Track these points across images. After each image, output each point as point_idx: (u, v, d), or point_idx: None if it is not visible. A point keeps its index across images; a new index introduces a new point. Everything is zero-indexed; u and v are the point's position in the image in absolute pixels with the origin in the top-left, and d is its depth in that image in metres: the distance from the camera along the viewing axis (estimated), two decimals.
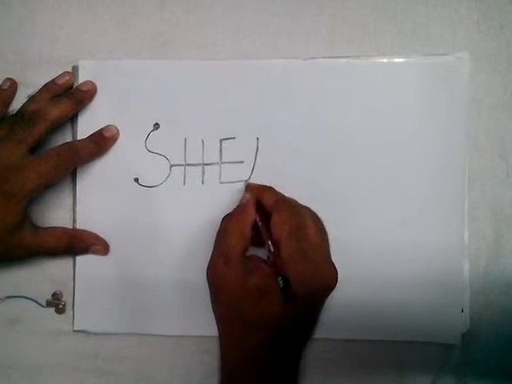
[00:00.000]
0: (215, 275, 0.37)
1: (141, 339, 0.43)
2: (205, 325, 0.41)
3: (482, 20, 0.42)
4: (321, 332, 0.41)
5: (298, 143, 0.42)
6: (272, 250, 0.37)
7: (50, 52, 0.43)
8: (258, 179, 0.42)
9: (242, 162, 0.42)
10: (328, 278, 0.37)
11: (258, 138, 0.42)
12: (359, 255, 0.40)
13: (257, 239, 0.38)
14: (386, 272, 0.41)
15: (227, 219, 0.38)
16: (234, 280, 0.36)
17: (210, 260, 0.38)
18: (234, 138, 0.42)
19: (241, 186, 0.42)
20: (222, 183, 0.42)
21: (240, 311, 0.36)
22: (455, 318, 0.41)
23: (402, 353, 0.42)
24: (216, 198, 0.42)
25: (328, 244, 0.39)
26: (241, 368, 0.36)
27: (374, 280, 0.41)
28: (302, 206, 0.39)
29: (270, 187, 0.40)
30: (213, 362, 0.42)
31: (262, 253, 0.39)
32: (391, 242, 0.41)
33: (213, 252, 0.38)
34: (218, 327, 0.38)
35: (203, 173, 0.42)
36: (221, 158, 0.42)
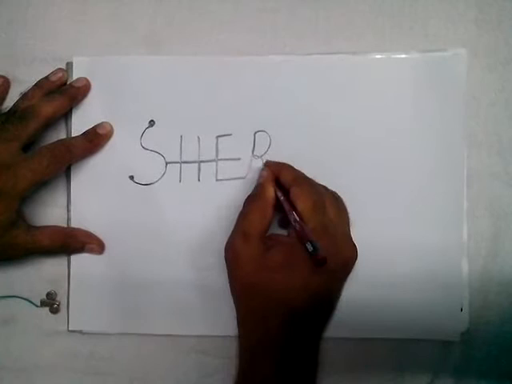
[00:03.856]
0: (234, 253, 0.37)
1: (136, 339, 0.42)
2: (200, 324, 0.41)
3: (479, 16, 0.42)
4: None
5: (295, 139, 0.42)
6: (298, 219, 0.36)
7: (44, 48, 0.43)
8: (255, 176, 0.41)
9: (239, 159, 0.42)
10: (348, 255, 0.37)
11: (254, 135, 0.42)
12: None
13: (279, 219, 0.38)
14: (384, 271, 0.41)
15: (248, 199, 0.38)
16: (253, 257, 0.36)
17: (229, 238, 0.37)
18: (231, 134, 0.42)
19: (237, 183, 0.41)
20: (218, 180, 0.42)
21: (261, 290, 0.36)
22: (454, 316, 0.41)
23: (401, 352, 0.42)
24: (212, 195, 0.42)
25: (348, 223, 0.39)
26: (261, 348, 0.36)
27: (373, 278, 0.41)
28: (319, 184, 0.39)
29: (288, 164, 0.40)
30: (208, 362, 0.42)
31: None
32: (389, 241, 0.41)
33: (232, 231, 0.38)
34: (236, 308, 0.38)
35: (199, 170, 0.42)
36: (217, 155, 0.42)
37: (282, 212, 0.38)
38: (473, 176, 0.42)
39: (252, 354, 0.36)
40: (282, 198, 0.38)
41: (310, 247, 0.35)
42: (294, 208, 0.37)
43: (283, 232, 0.40)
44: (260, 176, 0.40)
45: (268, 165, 0.40)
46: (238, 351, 0.37)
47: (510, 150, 0.42)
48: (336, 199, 0.39)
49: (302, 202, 0.37)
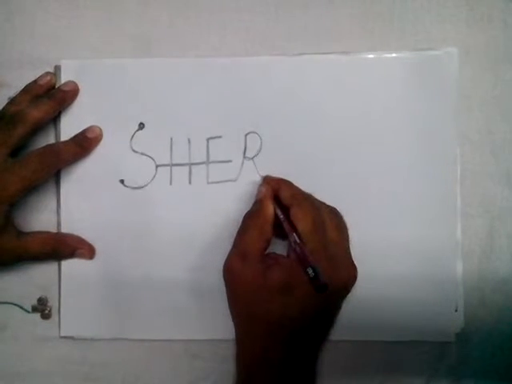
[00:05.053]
0: (232, 273, 0.36)
1: (128, 344, 0.42)
2: (193, 329, 0.41)
3: (470, 15, 0.42)
4: None
5: (287, 140, 0.42)
6: (298, 241, 0.36)
7: (32, 52, 0.43)
8: (247, 179, 0.41)
9: (230, 161, 0.42)
10: (348, 276, 0.37)
11: (245, 137, 0.42)
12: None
13: (277, 233, 0.38)
14: (378, 271, 0.41)
15: (246, 216, 0.38)
16: (252, 278, 0.36)
17: (227, 258, 0.37)
18: (221, 136, 0.42)
19: (229, 185, 0.41)
20: (209, 183, 0.42)
21: (260, 311, 0.35)
22: (449, 316, 0.41)
23: (396, 353, 0.41)
24: (204, 198, 0.41)
25: (348, 241, 0.38)
26: (258, 367, 0.36)
27: (367, 279, 0.40)
28: (319, 201, 0.39)
29: (288, 181, 0.39)
30: (201, 366, 0.42)
31: (280, 249, 0.38)
32: (382, 241, 0.41)
33: (231, 250, 0.37)
34: (235, 326, 0.37)
35: (190, 173, 0.42)
36: (208, 158, 0.42)
37: (280, 229, 0.38)
38: (466, 175, 0.42)
39: (249, 373, 0.36)
40: (281, 217, 0.37)
41: (311, 272, 0.35)
42: (294, 228, 0.36)
43: (280, 240, 0.39)
44: (259, 192, 0.39)
45: (267, 181, 0.40)
46: (236, 369, 0.37)
47: (502, 149, 0.42)
48: (336, 216, 0.38)
49: (302, 223, 0.36)
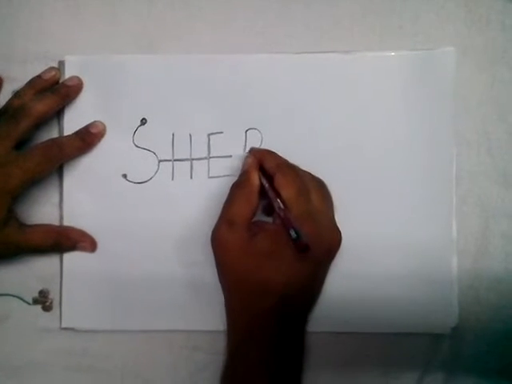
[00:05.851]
0: (220, 241, 0.37)
1: (128, 335, 0.42)
2: (192, 319, 0.41)
3: (468, 15, 0.43)
4: (309, 325, 0.40)
5: (287, 137, 0.42)
6: (282, 206, 0.37)
7: (36, 47, 0.43)
8: None
9: (231, 156, 0.42)
10: (332, 241, 0.38)
11: (246, 133, 0.42)
12: (347, 250, 0.40)
13: (263, 206, 0.38)
14: (374, 267, 0.41)
15: (233, 187, 0.39)
16: (240, 245, 0.36)
17: (215, 226, 0.38)
18: (222, 132, 0.42)
19: (229, 180, 0.41)
20: (210, 178, 0.42)
21: (248, 277, 0.36)
22: (444, 312, 0.41)
23: (391, 346, 0.42)
24: (205, 192, 0.42)
25: (332, 209, 0.39)
26: (248, 336, 0.36)
27: (363, 275, 0.41)
28: (304, 170, 0.40)
29: (272, 151, 0.40)
30: (201, 357, 0.42)
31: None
32: (379, 238, 0.42)
33: (218, 219, 0.38)
34: (225, 297, 0.38)
35: (191, 168, 0.42)
36: (209, 153, 0.42)
37: (266, 199, 0.39)
38: (462, 174, 0.42)
39: (240, 342, 0.37)
40: (266, 185, 0.38)
41: (293, 234, 0.36)
42: (278, 195, 0.37)
43: (268, 219, 0.40)
44: (245, 163, 0.40)
45: (253, 152, 0.41)
46: (226, 337, 0.38)
47: (498, 148, 0.42)
48: (321, 185, 0.39)
49: (286, 190, 0.37)
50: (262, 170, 0.39)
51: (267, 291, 0.36)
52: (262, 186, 0.39)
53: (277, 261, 0.36)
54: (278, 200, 0.37)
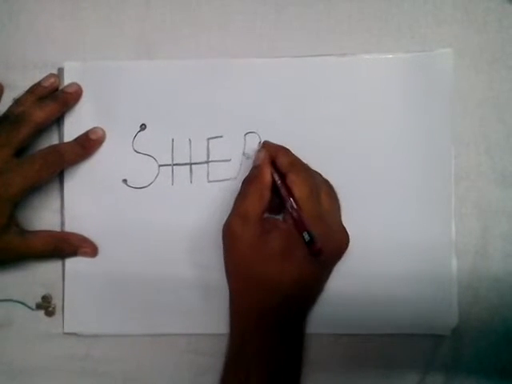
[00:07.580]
0: (232, 234, 0.37)
1: (130, 339, 0.43)
2: (194, 323, 0.42)
3: (465, 17, 0.43)
4: (310, 327, 0.41)
5: (285, 140, 0.42)
6: (295, 206, 0.37)
7: (35, 54, 0.43)
8: None
9: (230, 160, 0.42)
10: (341, 242, 0.38)
11: (245, 136, 0.42)
12: (347, 251, 0.40)
13: (273, 204, 0.38)
14: (374, 267, 0.41)
15: (246, 181, 0.39)
16: (252, 240, 0.36)
17: (227, 220, 0.38)
18: (222, 136, 0.42)
19: (229, 184, 0.42)
20: (210, 182, 0.42)
21: (257, 274, 0.36)
22: (444, 312, 0.41)
23: (392, 348, 0.42)
24: (204, 196, 0.42)
25: (339, 210, 0.40)
26: (253, 333, 0.36)
27: (363, 276, 0.41)
28: (314, 171, 0.40)
29: (286, 148, 0.40)
30: (203, 361, 0.42)
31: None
32: (378, 239, 0.42)
33: (230, 213, 0.38)
34: (231, 294, 0.38)
35: (191, 172, 0.42)
36: (208, 157, 0.42)
37: (276, 196, 0.38)
38: (461, 174, 0.42)
39: (243, 338, 0.37)
40: (279, 182, 0.38)
41: (306, 237, 0.36)
42: (290, 194, 0.37)
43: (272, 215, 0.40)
44: (257, 157, 0.40)
45: (265, 146, 0.40)
46: (230, 329, 0.38)
47: (497, 149, 0.42)
48: (329, 187, 0.40)
49: (299, 190, 0.37)
50: (274, 166, 0.39)
51: (274, 290, 0.36)
52: (273, 182, 0.38)
53: (287, 261, 0.36)
54: (291, 199, 0.37)
